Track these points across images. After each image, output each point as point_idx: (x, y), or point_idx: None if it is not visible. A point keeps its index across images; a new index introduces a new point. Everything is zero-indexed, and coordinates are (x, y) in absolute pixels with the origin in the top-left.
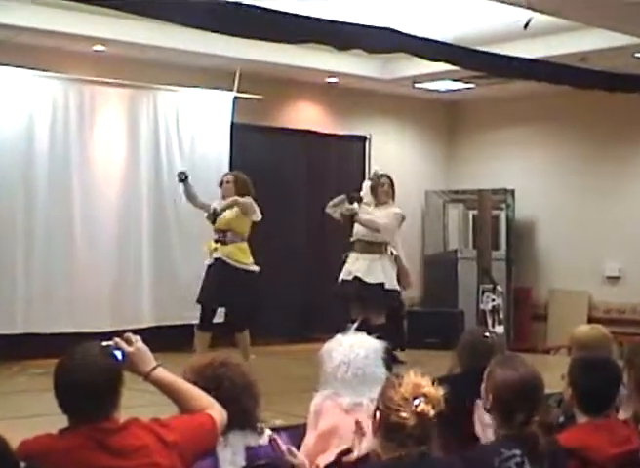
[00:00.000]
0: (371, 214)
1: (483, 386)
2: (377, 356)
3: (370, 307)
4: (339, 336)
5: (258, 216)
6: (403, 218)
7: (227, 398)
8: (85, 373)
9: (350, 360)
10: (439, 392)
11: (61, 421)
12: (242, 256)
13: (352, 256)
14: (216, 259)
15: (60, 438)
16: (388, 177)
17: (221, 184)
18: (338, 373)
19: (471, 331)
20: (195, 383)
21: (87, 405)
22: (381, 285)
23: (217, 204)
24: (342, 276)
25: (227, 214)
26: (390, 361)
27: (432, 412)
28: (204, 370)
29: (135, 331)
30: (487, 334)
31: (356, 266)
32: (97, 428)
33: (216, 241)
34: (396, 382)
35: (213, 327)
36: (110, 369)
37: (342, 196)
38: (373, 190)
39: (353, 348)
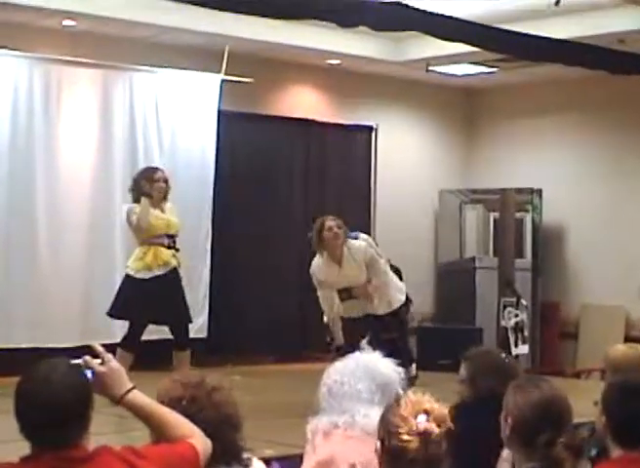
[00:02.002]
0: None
1: (504, 411)
2: (383, 376)
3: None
4: (345, 357)
5: None
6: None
7: (204, 431)
8: (50, 394)
9: (352, 377)
10: (443, 409)
11: (24, 448)
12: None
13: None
14: (173, 269)
15: (21, 467)
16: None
17: (155, 181)
18: (339, 391)
19: (487, 352)
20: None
21: (52, 430)
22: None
23: (139, 209)
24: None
25: (172, 215)
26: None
27: (437, 431)
28: (173, 408)
29: (106, 347)
30: (503, 356)
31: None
32: (62, 457)
33: (168, 247)
34: (394, 404)
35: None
36: (79, 389)
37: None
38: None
39: (358, 366)
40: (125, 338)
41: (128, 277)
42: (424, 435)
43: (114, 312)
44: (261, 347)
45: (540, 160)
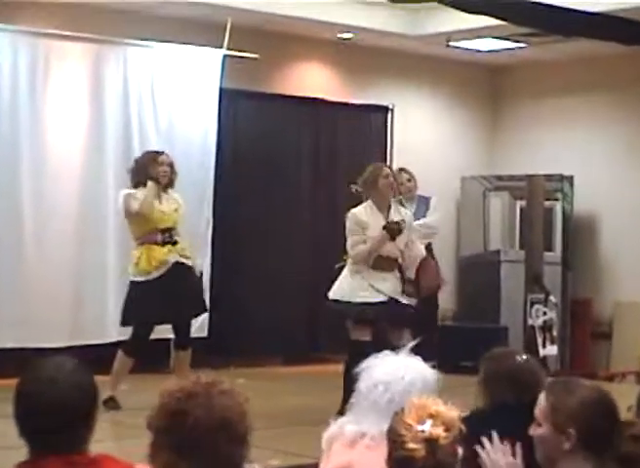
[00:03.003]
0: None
1: (550, 424)
2: (425, 386)
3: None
4: (387, 353)
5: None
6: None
7: (206, 455)
8: (56, 395)
9: (390, 382)
10: (452, 412)
11: (19, 455)
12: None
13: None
14: (175, 264)
15: None
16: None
17: (160, 164)
18: (370, 395)
19: (502, 354)
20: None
21: (57, 433)
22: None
23: (140, 194)
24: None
25: (172, 206)
26: None
27: (444, 435)
28: (173, 427)
29: (98, 347)
30: (524, 360)
31: (386, 285)
32: (67, 461)
33: (163, 243)
34: (399, 411)
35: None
36: (86, 388)
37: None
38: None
39: (399, 369)
40: (128, 343)
41: (131, 282)
42: (431, 441)
43: (124, 319)
44: (267, 347)
45: (570, 143)
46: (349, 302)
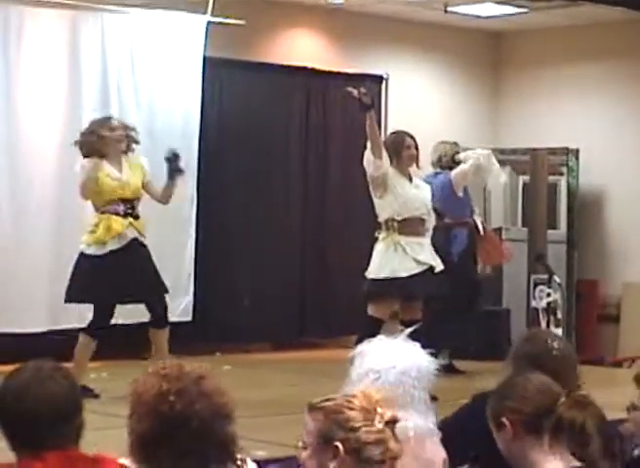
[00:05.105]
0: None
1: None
2: (419, 376)
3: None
4: (382, 338)
5: None
6: None
7: (198, 436)
8: (28, 405)
9: (381, 370)
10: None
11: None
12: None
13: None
14: (132, 240)
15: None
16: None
17: (112, 129)
18: (361, 384)
19: (533, 336)
20: (148, 422)
21: (52, 429)
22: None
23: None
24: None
25: (135, 174)
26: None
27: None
28: (159, 406)
29: (76, 332)
30: (556, 344)
31: (425, 253)
32: (67, 455)
33: (124, 215)
34: (344, 401)
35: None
36: (72, 385)
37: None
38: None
39: (392, 357)
40: (90, 324)
41: (81, 254)
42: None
43: (71, 295)
44: (254, 332)
45: (576, 115)
46: (397, 278)
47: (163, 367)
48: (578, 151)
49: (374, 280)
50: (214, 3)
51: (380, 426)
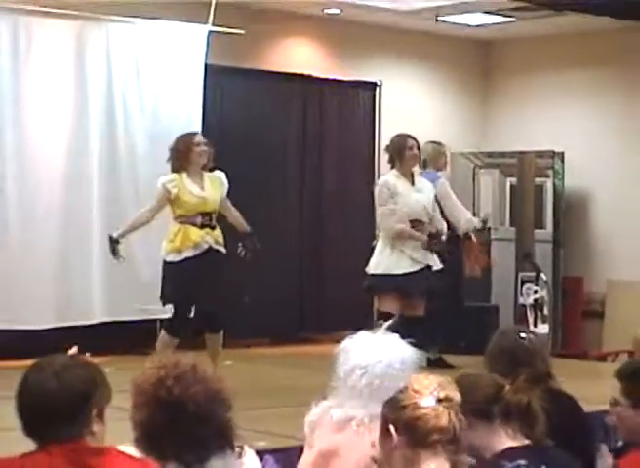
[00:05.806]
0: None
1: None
2: (403, 367)
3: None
4: (363, 334)
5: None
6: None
7: (196, 420)
8: (43, 396)
9: (368, 365)
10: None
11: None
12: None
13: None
14: (208, 248)
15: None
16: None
17: (195, 146)
18: (349, 380)
19: (505, 331)
20: (149, 410)
21: (63, 421)
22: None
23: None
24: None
25: (214, 190)
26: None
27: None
28: (157, 392)
29: (85, 328)
30: (524, 336)
31: (422, 252)
32: (74, 449)
33: (201, 226)
34: (398, 390)
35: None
36: (87, 378)
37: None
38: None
39: (376, 352)
40: (170, 323)
41: (163, 261)
42: (445, 400)
43: (161, 298)
44: (253, 327)
45: (562, 120)
46: (392, 275)
47: (158, 360)
48: (563, 154)
49: (372, 275)
50: (215, 13)
51: (429, 404)
